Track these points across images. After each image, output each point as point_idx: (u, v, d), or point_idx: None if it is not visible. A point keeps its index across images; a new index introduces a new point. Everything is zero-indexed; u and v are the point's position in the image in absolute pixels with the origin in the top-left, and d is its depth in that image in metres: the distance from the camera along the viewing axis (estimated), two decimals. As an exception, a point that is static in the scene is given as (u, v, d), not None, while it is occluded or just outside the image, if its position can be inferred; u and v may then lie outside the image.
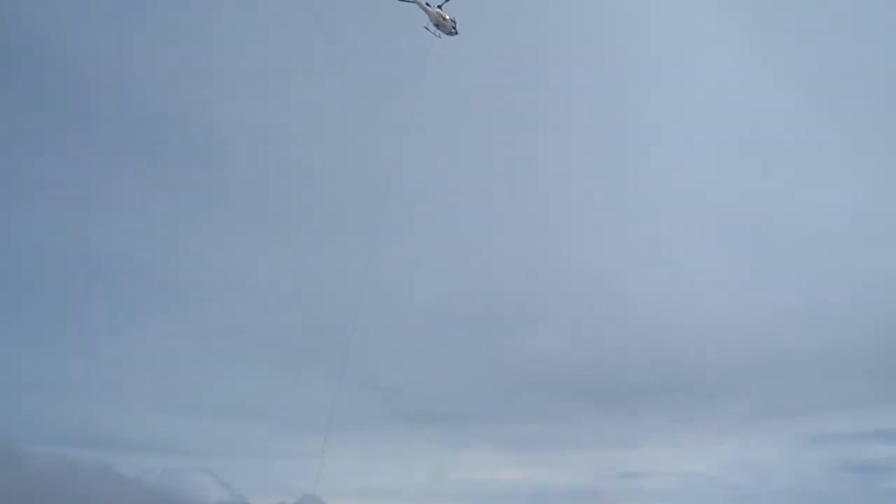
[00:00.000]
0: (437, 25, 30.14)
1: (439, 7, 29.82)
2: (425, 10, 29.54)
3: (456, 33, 30.78)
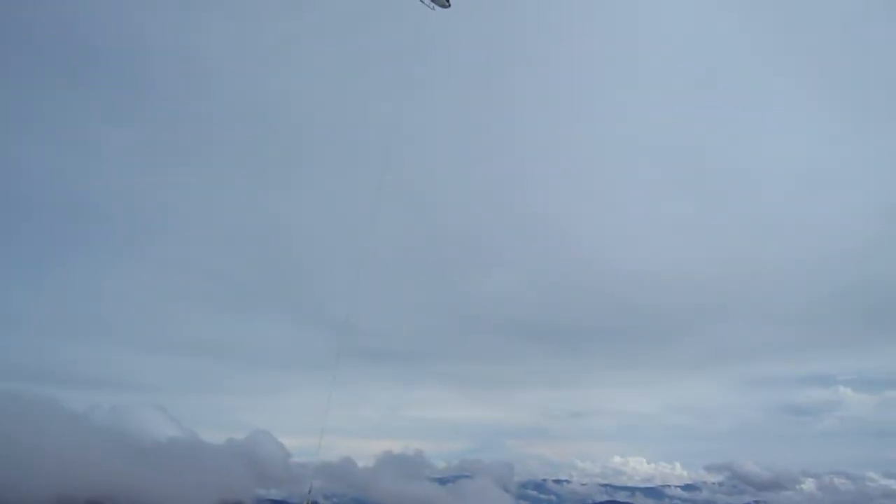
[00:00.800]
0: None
1: None
2: None
3: (449, 6, 32.72)
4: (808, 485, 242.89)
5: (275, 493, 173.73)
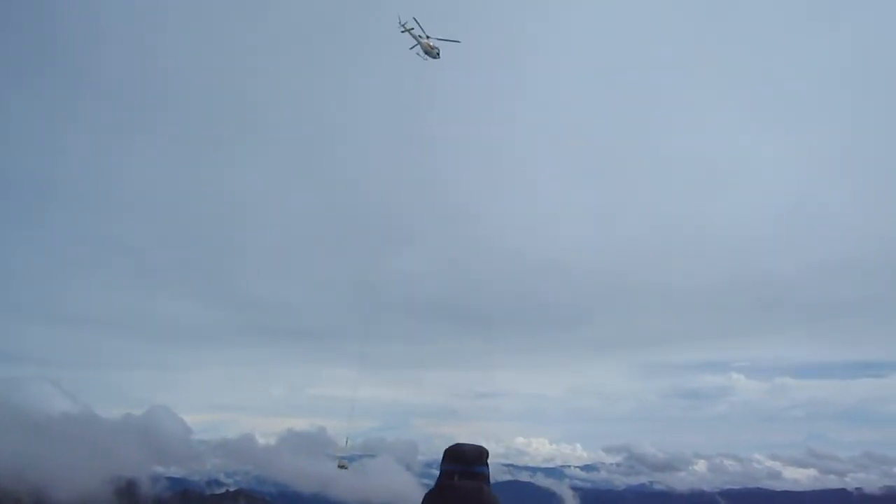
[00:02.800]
0: (425, 52, 37.52)
1: (427, 38, 37.32)
2: (418, 41, 37.16)
3: (438, 58, 38.08)
4: (700, 466, 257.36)
5: (174, 471, 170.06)
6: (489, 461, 4.27)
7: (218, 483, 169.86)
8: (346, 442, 35.67)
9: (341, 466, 39.15)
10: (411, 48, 37.82)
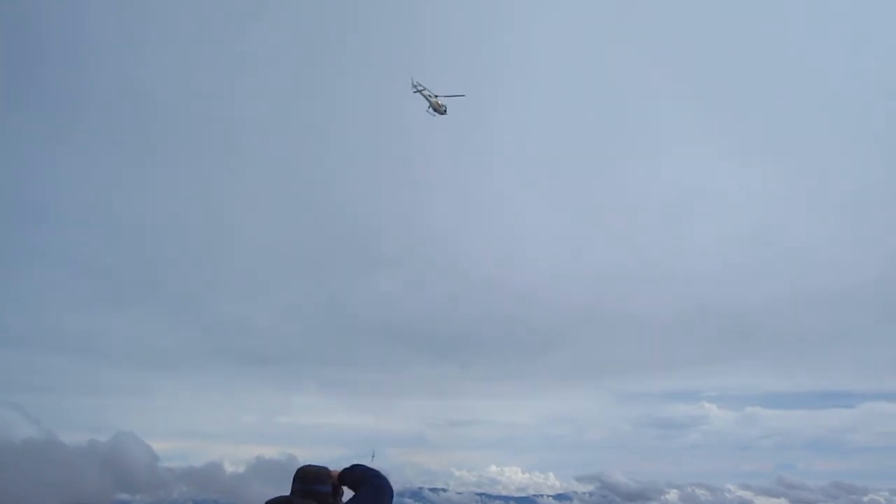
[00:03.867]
0: (434, 109, 41.58)
1: (436, 97, 41.23)
2: (428, 100, 41.25)
3: (445, 114, 42.19)
4: (672, 495, 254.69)
5: (139, 499, 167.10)
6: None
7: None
8: (372, 457, 38.57)
9: None
10: (426, 109, 42.12)
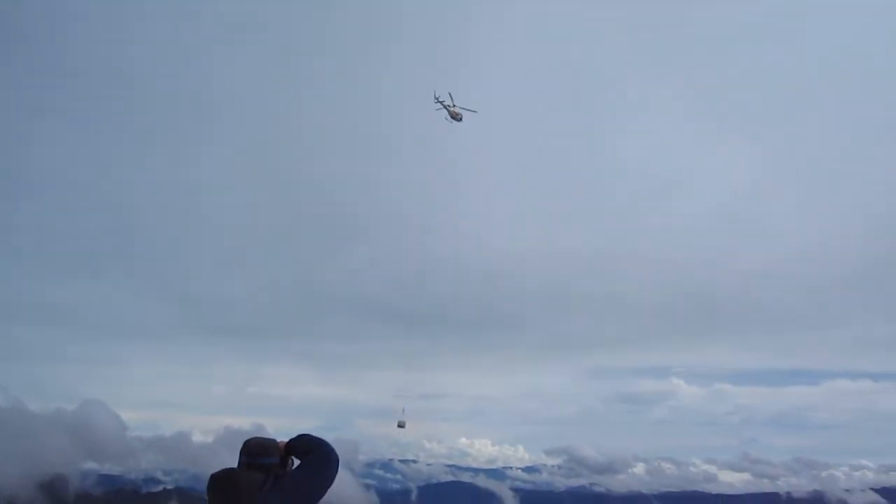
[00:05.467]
0: (452, 117, 46.34)
1: (454, 106, 46.03)
2: (448, 110, 46.13)
3: (461, 121, 46.87)
4: (639, 469, 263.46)
5: (108, 468, 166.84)
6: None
7: (155, 481, 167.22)
8: (403, 411, 47.34)
9: (400, 426, 47.47)
10: (445, 118, 46.78)
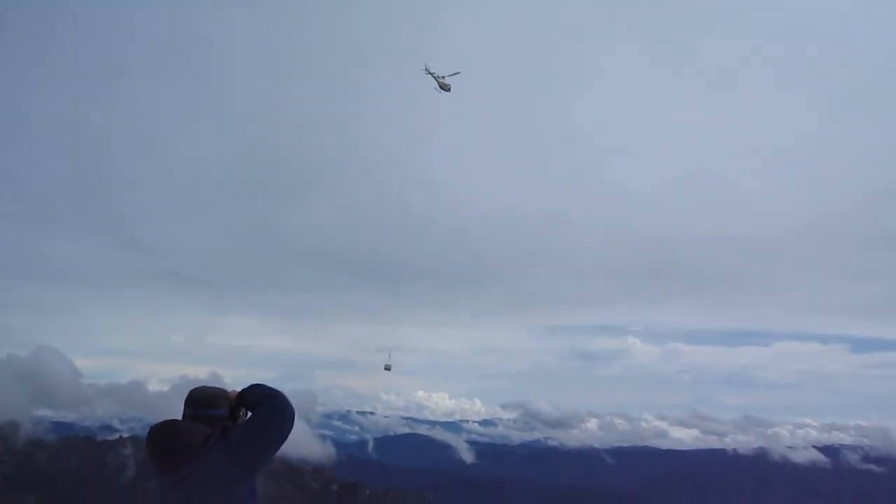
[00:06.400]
0: (441, 87, 47.38)
1: (443, 77, 46.94)
2: (436, 80, 46.97)
3: (449, 90, 47.82)
4: (591, 423, 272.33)
5: (63, 415, 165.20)
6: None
7: (110, 429, 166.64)
8: (389, 356, 50.50)
9: (387, 368, 51.01)
10: (434, 88, 47.67)
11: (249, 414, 4.17)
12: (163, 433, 3.84)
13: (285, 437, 4.01)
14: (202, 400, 4.11)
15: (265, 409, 4.04)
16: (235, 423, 4.13)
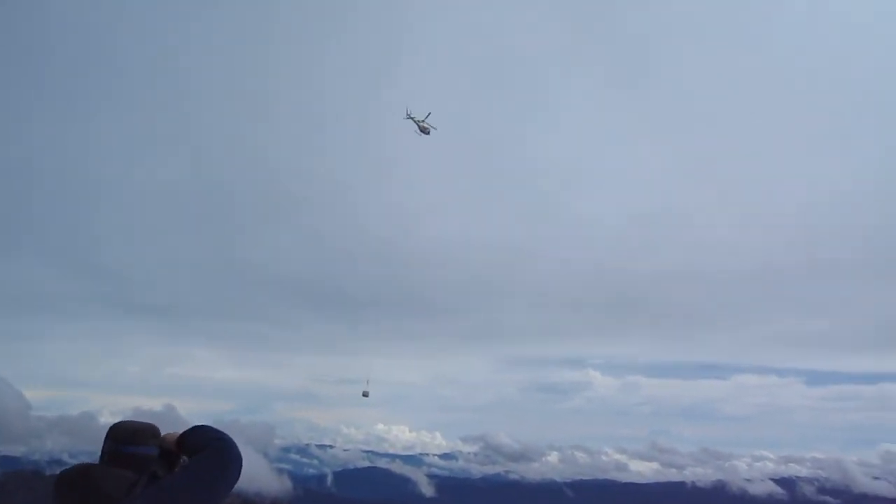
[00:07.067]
0: (421, 130, 49.13)
1: (423, 121, 48.71)
2: (416, 123, 48.66)
3: (429, 134, 49.64)
4: (552, 457, 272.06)
5: (10, 449, 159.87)
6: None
7: (59, 463, 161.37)
8: (367, 383, 52.29)
9: (365, 395, 53.52)
10: (414, 131, 49.69)
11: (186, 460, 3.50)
12: (76, 480, 3.15)
13: (227, 490, 3.26)
14: (125, 436, 3.44)
15: (206, 454, 3.29)
16: (170, 470, 3.50)
